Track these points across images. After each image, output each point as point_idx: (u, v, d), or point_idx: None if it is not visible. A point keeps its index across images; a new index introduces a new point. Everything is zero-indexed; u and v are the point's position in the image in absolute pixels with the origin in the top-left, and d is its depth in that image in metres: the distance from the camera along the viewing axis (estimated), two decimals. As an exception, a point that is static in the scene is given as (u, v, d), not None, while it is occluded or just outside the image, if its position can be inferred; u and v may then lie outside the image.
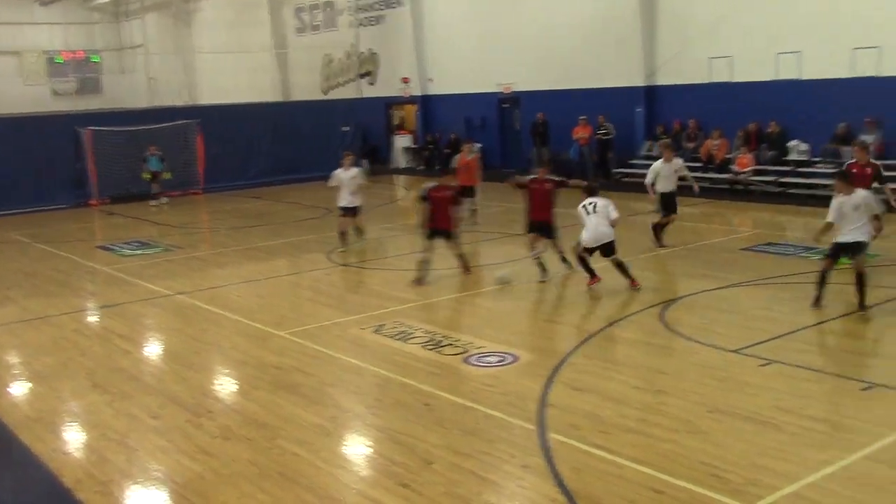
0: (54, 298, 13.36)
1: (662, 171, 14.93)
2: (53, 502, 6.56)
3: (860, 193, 10.46)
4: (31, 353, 10.56)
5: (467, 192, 17.41)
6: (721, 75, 22.52)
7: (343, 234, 16.01)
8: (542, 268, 12.87)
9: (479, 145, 25.20)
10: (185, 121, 26.89)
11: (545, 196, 12.92)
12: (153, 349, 11.06)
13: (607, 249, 12.03)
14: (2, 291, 14.05)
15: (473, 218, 18.10)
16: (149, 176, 24.58)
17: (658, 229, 15.20)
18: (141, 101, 32.23)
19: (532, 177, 13.64)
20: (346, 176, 15.70)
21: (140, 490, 6.69)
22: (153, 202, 24.52)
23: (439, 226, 12.90)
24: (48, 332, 11.45)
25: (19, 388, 9.43)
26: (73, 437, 7.95)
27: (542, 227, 12.98)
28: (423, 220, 13.08)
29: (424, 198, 13.05)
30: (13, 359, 10.50)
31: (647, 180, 15.12)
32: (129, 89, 36.18)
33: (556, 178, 13.53)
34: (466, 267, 13.26)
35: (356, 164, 17.54)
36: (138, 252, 17.12)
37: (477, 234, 16.82)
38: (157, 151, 24.60)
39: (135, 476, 6.90)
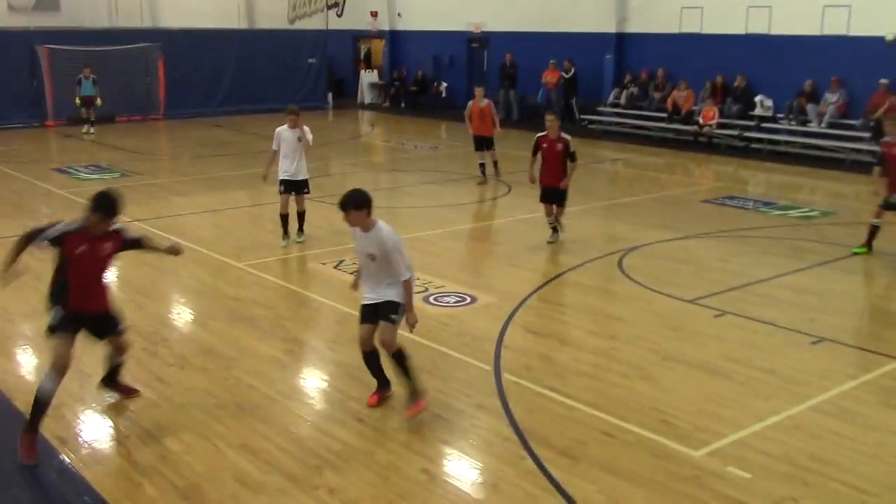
0: (7, 220, 13.06)
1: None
2: (4, 424, 6.51)
3: None
4: (-18, 274, 10.35)
5: (483, 143, 16.45)
6: (692, 26, 22.46)
7: (285, 219, 11.73)
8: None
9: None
10: (146, 44, 26.25)
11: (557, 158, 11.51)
12: (108, 276, 10.89)
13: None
14: (-47, 210, 13.75)
15: (496, 172, 16.76)
16: (80, 101, 22.69)
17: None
18: (101, 21, 31.23)
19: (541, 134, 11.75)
20: (292, 136, 11.47)
21: (93, 415, 6.67)
22: (86, 128, 22.80)
23: None
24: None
25: (-30, 309, 9.27)
26: (26, 360, 7.88)
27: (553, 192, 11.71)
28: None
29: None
30: (-36, 279, 10.29)
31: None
32: (88, 7, 34.92)
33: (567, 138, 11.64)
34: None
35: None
36: (95, 176, 16.79)
37: (498, 188, 16.02)
38: (91, 74, 22.64)
39: (88, 401, 6.87)
